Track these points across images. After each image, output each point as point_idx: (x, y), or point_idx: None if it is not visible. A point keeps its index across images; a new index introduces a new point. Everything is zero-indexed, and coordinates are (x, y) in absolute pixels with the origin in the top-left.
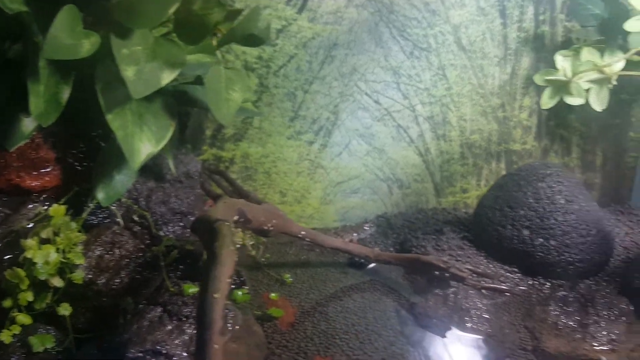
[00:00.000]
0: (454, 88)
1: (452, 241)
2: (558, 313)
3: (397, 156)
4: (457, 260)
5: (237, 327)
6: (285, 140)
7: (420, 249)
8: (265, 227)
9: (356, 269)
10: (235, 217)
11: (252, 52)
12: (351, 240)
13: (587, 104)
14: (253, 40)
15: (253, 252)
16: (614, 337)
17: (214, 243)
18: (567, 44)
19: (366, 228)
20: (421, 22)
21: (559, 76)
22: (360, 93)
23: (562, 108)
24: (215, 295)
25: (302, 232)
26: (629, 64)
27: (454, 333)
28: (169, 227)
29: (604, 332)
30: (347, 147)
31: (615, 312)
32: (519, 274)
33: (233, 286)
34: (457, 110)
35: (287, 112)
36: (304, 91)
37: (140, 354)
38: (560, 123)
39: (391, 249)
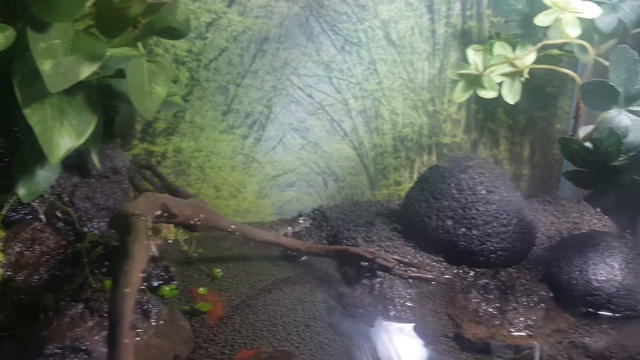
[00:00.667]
0: (385, 82)
1: (382, 232)
2: (479, 300)
3: (332, 150)
4: (386, 251)
5: (162, 322)
6: (218, 135)
7: (351, 240)
8: (192, 222)
9: (289, 261)
10: (158, 212)
11: (181, 46)
12: (286, 234)
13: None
14: (172, 33)
15: (185, 247)
16: (531, 323)
17: (127, 237)
18: (494, 39)
19: (301, 221)
20: (351, 17)
21: (471, 70)
22: (293, 87)
23: (490, 102)
24: (126, 290)
25: (232, 227)
26: (549, 59)
27: (379, 322)
28: (94, 223)
29: (522, 318)
30: (281, 141)
31: (534, 298)
32: (445, 263)
33: (161, 282)
34: (388, 104)
35: (220, 106)
36: (236, 85)
37: (59, 350)
38: (488, 116)
39: (324, 242)
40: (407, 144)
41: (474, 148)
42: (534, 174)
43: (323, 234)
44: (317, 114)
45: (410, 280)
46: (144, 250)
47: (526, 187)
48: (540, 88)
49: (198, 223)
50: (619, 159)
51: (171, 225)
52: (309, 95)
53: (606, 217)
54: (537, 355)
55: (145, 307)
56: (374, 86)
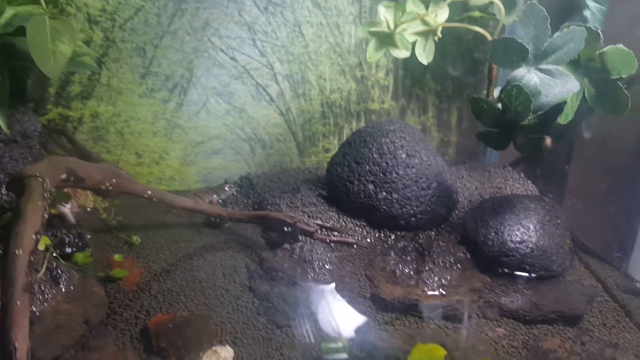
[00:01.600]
0: (311, 46)
1: (307, 198)
2: (396, 262)
3: (258, 115)
4: (309, 216)
5: (72, 288)
6: (137, 99)
7: (275, 206)
8: (104, 187)
9: (212, 229)
10: (63, 176)
11: (95, 4)
12: (211, 202)
13: (446, 62)
14: None
15: (104, 215)
16: (445, 282)
17: (20, 198)
18: None
19: (227, 189)
20: None
21: (382, 28)
22: (215, 49)
23: (417, 68)
24: (17, 252)
25: (149, 192)
26: (472, 21)
27: (298, 284)
28: (2, 189)
29: (437, 278)
30: (205, 105)
31: (450, 260)
32: (367, 228)
33: (74, 249)
34: (315, 69)
35: (138, 69)
36: (154, 46)
37: None
38: (416, 83)
39: (250, 209)
40: (336, 110)
41: (402, 115)
42: (461, 141)
43: (249, 202)
44: (241, 78)
45: (332, 245)
46: (37, 211)
47: (454, 153)
48: (468, 53)
49: (110, 188)
50: (529, 118)
51: (89, 193)
52: (232, 58)
53: (529, 181)
54: (451, 313)
55: (55, 272)
56: (300, 50)
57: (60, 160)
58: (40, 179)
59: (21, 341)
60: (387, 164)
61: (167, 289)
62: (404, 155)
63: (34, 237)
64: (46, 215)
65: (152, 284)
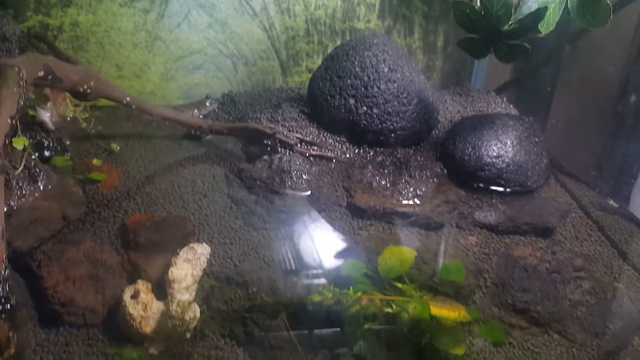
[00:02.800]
0: None
1: (288, 114)
2: (374, 175)
3: (241, 30)
4: (290, 131)
5: (50, 186)
6: (118, 8)
7: (256, 120)
8: (81, 89)
9: (192, 141)
10: (41, 73)
11: None
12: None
13: None
14: None
15: (84, 125)
16: (420, 193)
17: None
18: None
19: (208, 104)
20: None
21: None
22: None
23: None
24: None
25: (128, 99)
26: None
27: (275, 192)
28: None
29: (412, 189)
30: (186, 17)
31: (427, 173)
32: (347, 144)
33: (53, 153)
34: None
35: None
36: None
37: None
38: (403, 1)
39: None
40: (320, 28)
41: (387, 35)
42: (447, 66)
43: (230, 118)
44: None
45: (311, 159)
46: (12, 97)
47: (438, 78)
48: None
49: (88, 91)
50: (509, 23)
51: (69, 102)
52: None
53: (511, 105)
54: (424, 221)
55: (33, 171)
56: None
57: (38, 58)
58: (17, 69)
59: None
60: (368, 77)
61: (146, 192)
62: (386, 69)
63: (9, 120)
64: (22, 102)
65: (131, 187)
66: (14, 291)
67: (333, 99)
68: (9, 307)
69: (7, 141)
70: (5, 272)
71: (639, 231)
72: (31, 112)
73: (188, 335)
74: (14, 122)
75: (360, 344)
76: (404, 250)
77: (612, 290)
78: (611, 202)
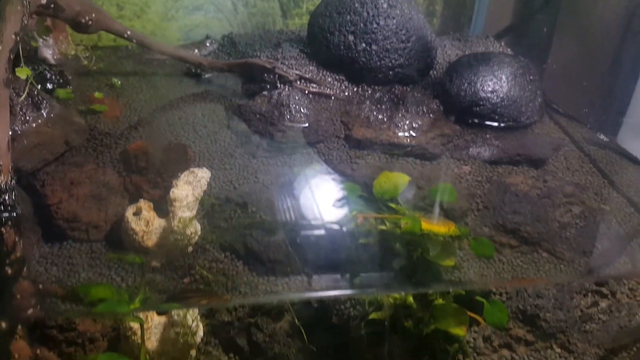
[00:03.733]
0: None
1: (287, 53)
2: (371, 110)
3: None
4: (289, 68)
5: (53, 115)
6: None
7: (255, 57)
8: (83, 20)
9: (192, 79)
10: (43, 1)
11: None
12: None
13: None
14: None
15: (85, 62)
16: (416, 126)
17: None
18: None
19: (208, 44)
20: None
21: None
22: None
23: None
24: None
25: (128, 32)
26: None
27: (274, 124)
28: None
29: (408, 122)
30: None
31: (423, 109)
32: (346, 82)
33: (56, 85)
34: None
35: None
36: None
37: None
38: None
39: None
40: None
41: None
42: (447, 12)
43: (229, 58)
44: None
45: (310, 95)
46: (16, 14)
47: (438, 23)
48: None
49: (90, 23)
50: None
51: (70, 40)
52: None
53: (509, 49)
54: (419, 152)
55: (36, 99)
56: None
57: None
58: None
59: (1, 134)
60: (367, 13)
61: (147, 122)
62: (385, 5)
63: (13, 36)
64: (25, 21)
65: (132, 118)
66: (19, 201)
67: (332, 35)
68: (15, 214)
69: (11, 56)
70: (11, 181)
71: (628, 163)
72: (34, 44)
73: (190, 249)
74: (17, 37)
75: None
76: (399, 176)
77: (601, 215)
78: (602, 136)
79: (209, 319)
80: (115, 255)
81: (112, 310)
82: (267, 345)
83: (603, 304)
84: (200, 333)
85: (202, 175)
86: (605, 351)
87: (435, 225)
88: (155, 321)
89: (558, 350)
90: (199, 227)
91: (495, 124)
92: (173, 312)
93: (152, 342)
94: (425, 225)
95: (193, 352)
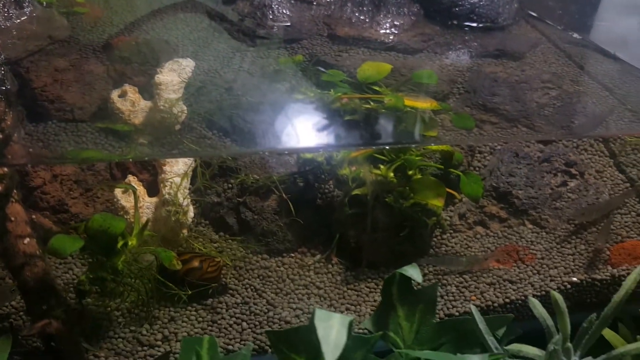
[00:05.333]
0: None
1: None
2: (353, 12)
3: None
4: None
5: (36, 14)
6: None
7: None
8: None
9: None
10: None
11: None
12: None
13: None
14: None
15: None
16: (397, 24)
17: None
18: None
19: None
20: None
21: None
22: None
23: None
24: None
25: None
26: None
27: (257, 23)
28: None
29: (389, 21)
30: None
31: (405, 11)
32: None
33: None
34: None
35: None
36: None
37: None
38: None
39: None
40: None
41: None
42: None
43: None
44: None
45: (292, 0)
46: None
47: None
48: None
49: None
50: None
51: None
52: None
53: None
54: (401, 47)
55: None
56: None
57: None
58: None
59: None
60: None
61: (130, 22)
62: None
63: None
64: None
65: (114, 19)
66: (8, 78)
67: None
68: (4, 88)
69: None
70: (1, 56)
71: (602, 57)
72: None
73: (177, 127)
74: None
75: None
76: (382, 64)
77: (577, 97)
78: (575, 35)
79: (199, 201)
80: (104, 125)
81: (102, 157)
82: (256, 222)
83: (572, 183)
84: (191, 213)
85: (187, 64)
86: (575, 226)
87: (418, 102)
88: (146, 201)
89: (530, 226)
90: (185, 107)
91: (474, 24)
92: (164, 191)
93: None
94: (408, 102)
95: (185, 232)
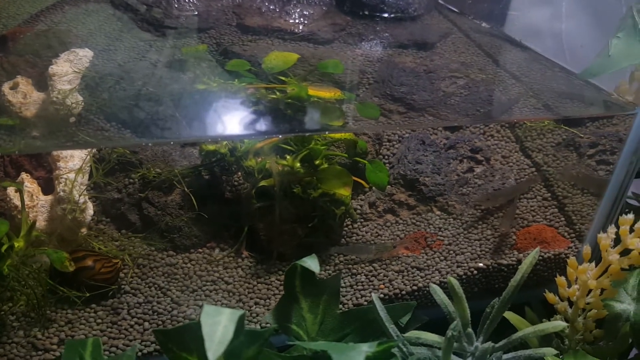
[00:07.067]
0: None
1: None
2: (263, 2)
3: None
4: None
5: None
6: None
7: None
8: None
9: None
10: None
11: None
12: None
13: None
14: None
15: None
16: (307, 14)
17: None
18: None
19: None
20: None
21: None
22: None
23: None
24: None
25: None
26: None
27: (163, 13)
28: None
29: (299, 10)
30: None
31: (315, 0)
32: None
33: None
34: None
35: None
36: None
37: None
38: None
39: None
40: None
41: None
42: None
43: None
44: None
45: None
46: None
47: None
48: None
49: None
50: None
51: None
52: None
53: None
54: (311, 37)
55: None
56: None
57: None
58: None
59: None
60: None
61: (26, 12)
62: None
63: None
64: None
65: (10, 9)
66: None
67: None
68: None
69: None
70: None
71: (511, 47)
72: None
73: (72, 119)
74: None
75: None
76: (288, 54)
77: (484, 85)
78: (484, 24)
79: (98, 197)
80: None
81: None
82: (159, 218)
83: (478, 169)
84: (90, 211)
85: (84, 54)
86: (481, 212)
87: (321, 91)
88: (40, 199)
89: (438, 212)
90: (80, 98)
91: (385, 14)
92: (59, 189)
93: (39, 222)
94: (312, 92)
95: (84, 230)
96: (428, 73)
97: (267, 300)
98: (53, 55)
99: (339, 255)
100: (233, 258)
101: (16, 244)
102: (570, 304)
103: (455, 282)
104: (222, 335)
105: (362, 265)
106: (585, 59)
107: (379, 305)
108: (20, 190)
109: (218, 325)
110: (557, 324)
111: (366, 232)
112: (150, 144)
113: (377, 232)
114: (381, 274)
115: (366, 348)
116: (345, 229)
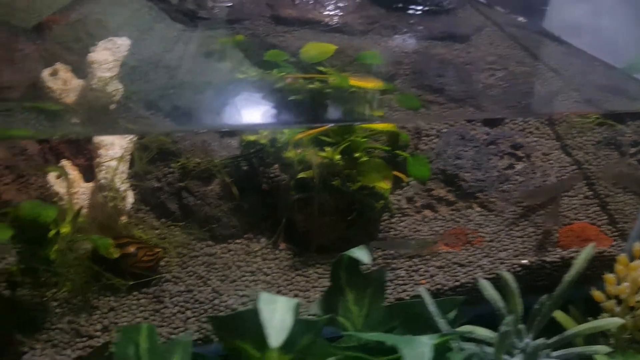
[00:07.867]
0: None
1: None
2: None
3: None
4: None
5: None
6: None
7: None
8: None
9: None
10: None
11: None
12: None
13: None
14: None
15: None
16: (342, 6)
17: None
18: None
19: None
20: None
21: None
22: None
23: None
24: None
25: None
26: None
27: (197, 4)
28: None
29: (333, 3)
30: None
31: None
32: None
33: None
34: None
35: None
36: None
37: None
38: None
39: None
40: None
41: None
42: None
43: None
44: None
45: None
46: None
47: None
48: None
49: None
50: None
51: None
52: None
53: None
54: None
55: None
56: None
57: None
58: None
59: None
60: None
61: (60, 3)
62: None
63: None
64: None
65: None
66: None
67: None
68: None
69: None
70: None
71: (549, 41)
72: None
73: (112, 106)
74: None
75: None
76: (326, 45)
77: (523, 78)
78: (521, 19)
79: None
80: (32, 104)
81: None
82: (199, 208)
83: (519, 166)
84: (130, 199)
85: (122, 42)
86: (523, 209)
87: (363, 82)
88: (81, 186)
89: (478, 209)
90: (120, 86)
91: (419, 7)
92: (99, 176)
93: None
94: (353, 82)
95: (124, 218)
96: (465, 65)
97: (307, 293)
98: (90, 44)
99: (377, 250)
100: (271, 249)
101: (62, 230)
102: (618, 302)
103: (509, 276)
104: (282, 322)
105: (401, 260)
106: (626, 56)
107: (428, 299)
108: (64, 176)
109: (275, 313)
110: (612, 320)
111: (404, 227)
112: (190, 133)
113: (415, 228)
114: (421, 269)
115: (426, 340)
116: (383, 223)
